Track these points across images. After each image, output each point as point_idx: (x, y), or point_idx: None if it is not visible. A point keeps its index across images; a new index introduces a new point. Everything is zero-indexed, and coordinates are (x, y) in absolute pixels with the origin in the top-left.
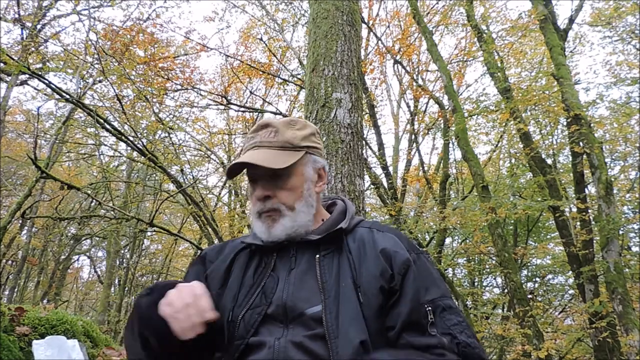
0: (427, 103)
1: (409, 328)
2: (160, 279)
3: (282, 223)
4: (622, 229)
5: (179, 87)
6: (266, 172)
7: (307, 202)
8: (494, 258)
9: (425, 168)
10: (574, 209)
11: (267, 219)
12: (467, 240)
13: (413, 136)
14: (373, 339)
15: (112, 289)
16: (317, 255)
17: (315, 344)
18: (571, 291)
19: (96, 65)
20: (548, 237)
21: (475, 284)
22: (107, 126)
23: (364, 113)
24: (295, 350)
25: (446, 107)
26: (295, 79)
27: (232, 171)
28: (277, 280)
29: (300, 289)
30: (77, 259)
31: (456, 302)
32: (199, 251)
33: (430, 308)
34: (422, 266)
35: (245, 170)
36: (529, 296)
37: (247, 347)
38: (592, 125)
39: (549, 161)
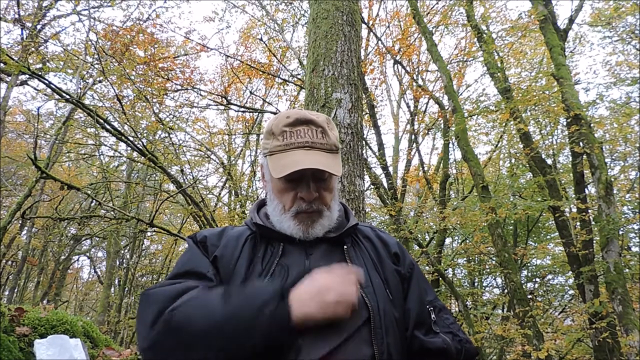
0: (427, 103)
1: (417, 326)
2: (160, 279)
3: (321, 223)
4: (622, 229)
5: (179, 87)
6: (319, 174)
7: (337, 200)
8: (494, 258)
9: (425, 168)
10: (574, 209)
11: (307, 219)
12: (467, 241)
13: (413, 136)
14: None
15: (112, 289)
16: (345, 247)
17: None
18: (571, 291)
19: (96, 66)
20: (548, 237)
21: (475, 284)
22: (107, 126)
23: (364, 113)
24: None
25: (446, 107)
26: (295, 79)
27: (294, 173)
28: (287, 269)
29: None
30: (77, 259)
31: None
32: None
33: (431, 308)
34: (419, 269)
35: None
36: (529, 296)
37: None
38: (592, 125)
39: (549, 161)
